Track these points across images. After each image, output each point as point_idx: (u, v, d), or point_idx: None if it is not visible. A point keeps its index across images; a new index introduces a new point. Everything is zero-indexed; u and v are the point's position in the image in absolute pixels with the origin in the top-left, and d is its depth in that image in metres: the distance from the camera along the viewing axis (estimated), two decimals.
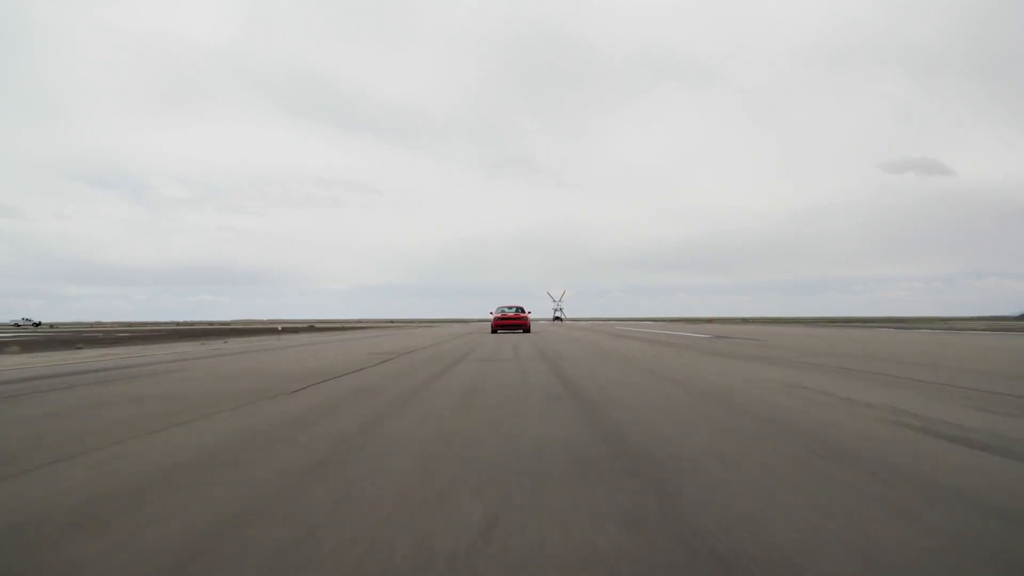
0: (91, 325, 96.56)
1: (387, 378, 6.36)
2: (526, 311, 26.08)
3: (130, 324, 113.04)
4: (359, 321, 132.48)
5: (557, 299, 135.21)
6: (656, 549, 1.64)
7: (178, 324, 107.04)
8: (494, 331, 23.95)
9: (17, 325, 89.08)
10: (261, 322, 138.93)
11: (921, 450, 2.80)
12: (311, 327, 53.67)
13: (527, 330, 24.57)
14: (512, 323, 24.57)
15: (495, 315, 25.34)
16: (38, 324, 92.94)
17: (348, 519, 1.90)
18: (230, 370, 7.92)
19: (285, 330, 38.51)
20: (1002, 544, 1.67)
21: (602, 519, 1.88)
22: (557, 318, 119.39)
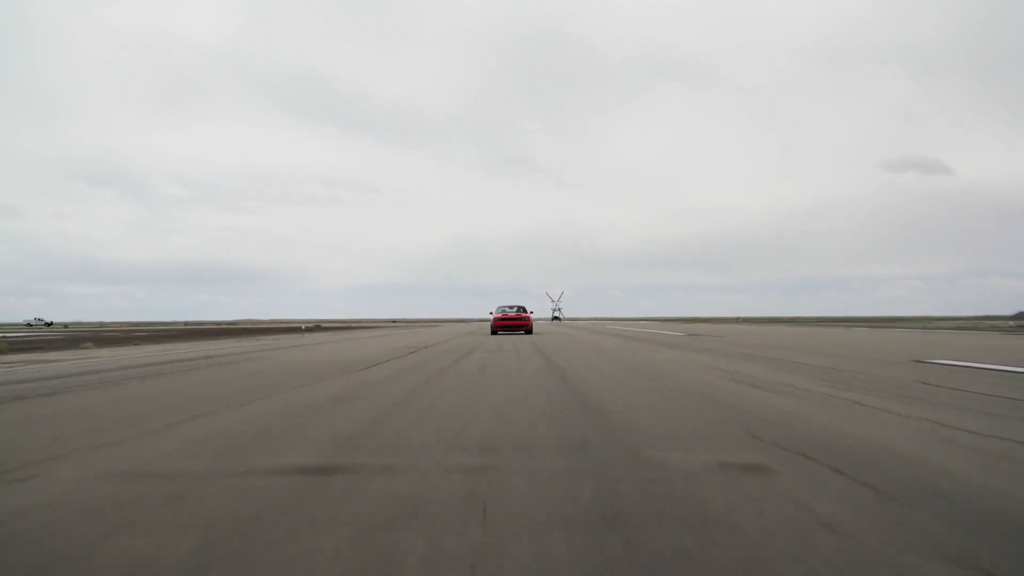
0: (102, 325, 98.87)
1: (421, 362, 8.79)
2: (528, 311, 25.10)
3: (140, 324, 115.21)
4: (361, 321, 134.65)
5: (555, 299, 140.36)
6: (571, 408, 4.06)
7: (187, 324, 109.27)
8: (494, 332, 22.90)
9: (29, 325, 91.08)
10: (271, 322, 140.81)
11: (730, 389, 5.22)
12: (318, 326, 56.04)
13: (529, 331, 23.54)
14: (513, 324, 23.49)
15: (495, 315, 24.27)
16: (50, 324, 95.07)
17: (434, 414, 4.32)
18: (301, 357, 10.37)
19: (307, 329, 40.90)
20: (725, 417, 4.08)
21: (557, 408, 4.30)
22: (555, 317, 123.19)
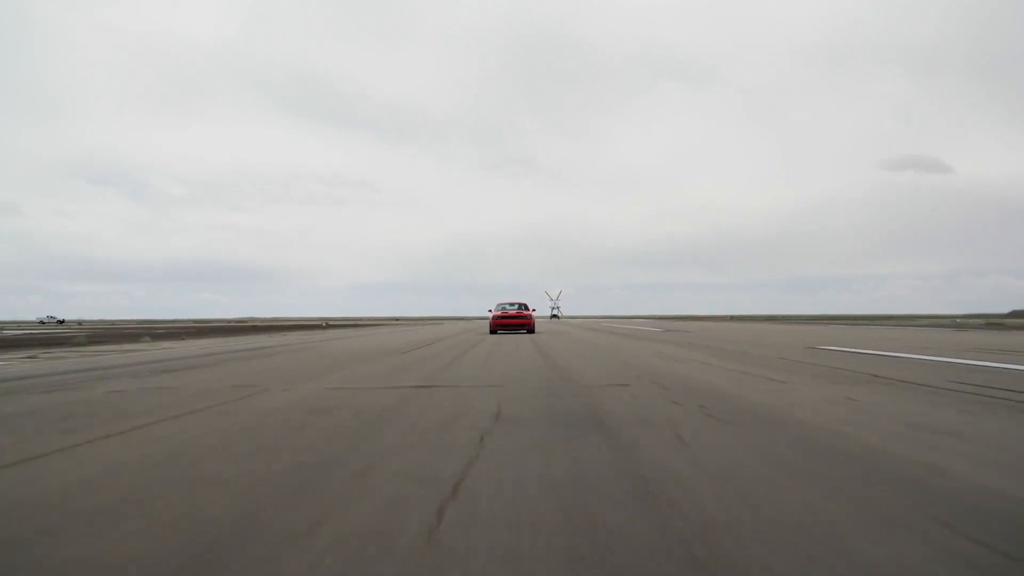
0: (113, 323, 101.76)
1: (444, 349, 11.67)
2: (530, 308, 23.79)
3: (150, 321, 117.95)
4: (364, 319, 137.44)
5: (554, 298, 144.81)
6: (547, 371, 6.94)
7: (195, 322, 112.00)
8: (493, 331, 21.47)
9: (42, 323, 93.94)
10: (283, 320, 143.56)
11: (656, 363, 8.11)
12: (328, 324, 58.88)
13: (531, 330, 22.16)
14: (514, 323, 22.15)
15: (494, 313, 22.79)
16: (62, 321, 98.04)
17: (468, 371, 7.19)
18: (350, 346, 13.26)
19: (326, 326, 43.78)
20: (636, 375, 6.97)
21: (539, 370, 7.18)
22: (554, 316, 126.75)
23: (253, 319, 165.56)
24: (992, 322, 42.03)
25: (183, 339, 21.03)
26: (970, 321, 47.38)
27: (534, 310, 24.16)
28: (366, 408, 4.46)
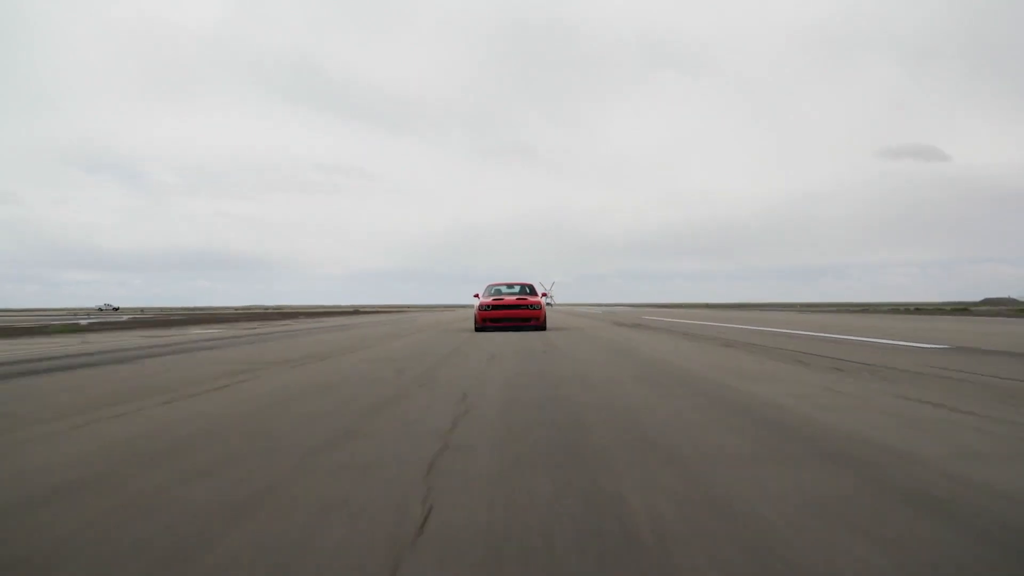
0: (142, 310, 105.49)
1: (459, 328, 14.67)
2: (538, 293, 16.06)
3: (178, 309, 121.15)
4: (364, 306, 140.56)
5: (548, 287, 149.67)
6: (536, 343, 9.93)
7: (205, 309, 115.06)
8: (480, 328, 14.08)
9: (100, 310, 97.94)
10: (301, 307, 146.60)
11: (616, 339, 11.11)
12: (334, 312, 61.85)
13: (540, 326, 14.30)
14: (512, 315, 14.32)
15: (482, 299, 14.91)
16: (117, 309, 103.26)
17: (480, 345, 10.20)
18: (394, 327, 16.25)
19: (349, 313, 46.69)
20: (599, 347, 9.96)
21: (529, 344, 10.18)
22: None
23: (259, 306, 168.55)
24: (941, 309, 44.99)
25: (266, 321, 24.07)
26: (926, 307, 50.34)
27: (544, 295, 16.14)
28: (430, 351, 7.43)
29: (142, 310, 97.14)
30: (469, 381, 5.26)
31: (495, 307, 14.32)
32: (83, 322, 26.03)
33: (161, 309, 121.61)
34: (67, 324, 22.97)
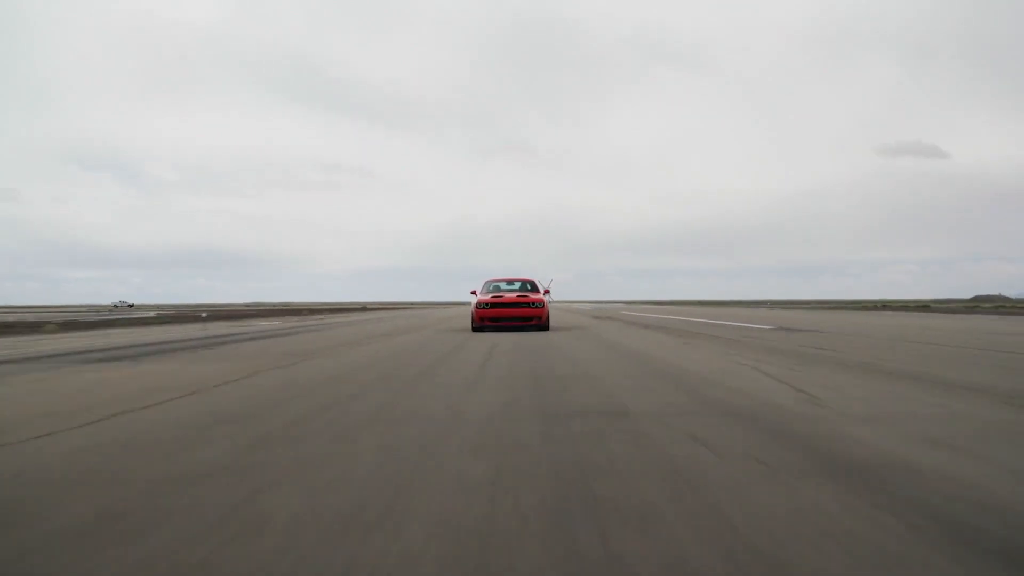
0: (161, 307, 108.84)
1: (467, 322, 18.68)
2: (540, 290, 15.16)
3: (190, 305, 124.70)
4: (370, 303, 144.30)
5: (547, 284, 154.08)
6: (533, 338, 13.91)
7: (219, 305, 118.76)
8: (478, 328, 13.40)
9: (116, 307, 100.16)
10: (291, 304, 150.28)
11: (590, 326, 15.08)
12: (345, 308, 65.70)
13: (543, 326, 13.71)
14: (513, 314, 13.57)
15: (480, 296, 13.89)
16: (132, 306, 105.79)
17: (485, 337, 14.19)
18: (417, 320, 20.24)
19: (354, 310, 50.57)
20: (584, 336, 13.93)
21: (524, 337, 14.17)
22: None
23: (264, 304, 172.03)
24: (906, 306, 48.77)
25: (300, 316, 27.99)
26: (910, 304, 54.19)
27: (547, 292, 15.22)
28: (463, 328, 11.38)
29: (156, 308, 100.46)
30: (492, 343, 9.16)
31: (494, 305, 13.50)
32: (203, 315, 29.82)
33: (174, 306, 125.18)
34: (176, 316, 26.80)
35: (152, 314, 40.84)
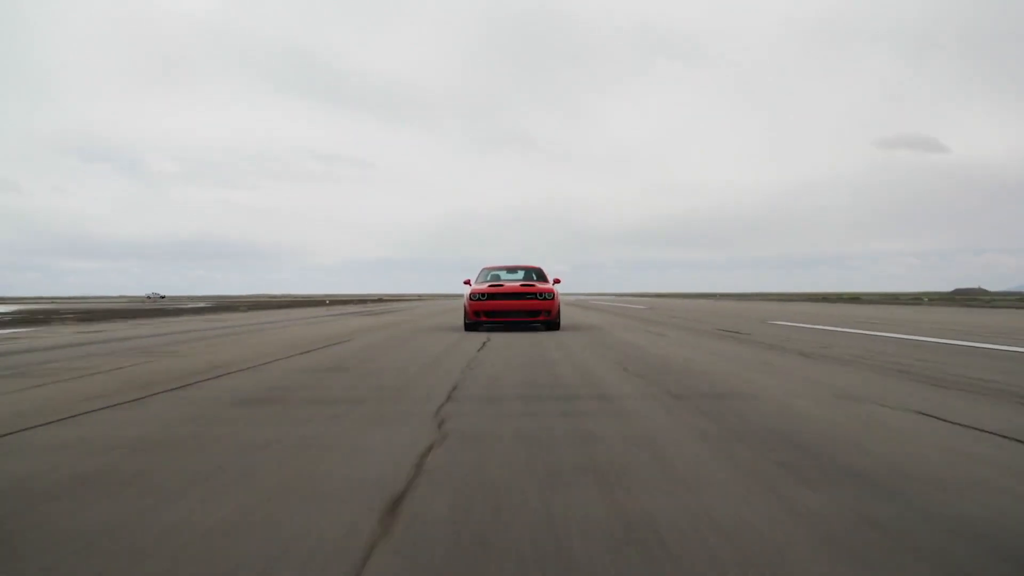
0: (175, 299, 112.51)
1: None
2: (548, 280, 12.72)
3: (207, 296, 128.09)
4: (365, 295, 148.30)
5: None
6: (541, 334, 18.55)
7: (225, 298, 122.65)
8: (472, 326, 11.87)
9: (148, 298, 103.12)
10: (292, 296, 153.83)
11: (582, 317, 19.76)
12: (326, 301, 69.85)
13: (552, 324, 11.90)
14: (515, 308, 11.75)
15: (474, 287, 11.89)
16: (163, 297, 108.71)
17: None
18: (430, 308, 24.92)
19: (335, 302, 54.97)
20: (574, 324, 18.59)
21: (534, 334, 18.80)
22: None
23: (265, 295, 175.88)
24: (902, 300, 53.02)
25: (327, 306, 32.61)
26: (898, 297, 58.38)
27: (557, 281, 12.84)
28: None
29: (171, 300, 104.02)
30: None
31: (492, 296, 11.35)
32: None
33: (172, 299, 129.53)
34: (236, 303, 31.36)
35: (205, 303, 45.25)
